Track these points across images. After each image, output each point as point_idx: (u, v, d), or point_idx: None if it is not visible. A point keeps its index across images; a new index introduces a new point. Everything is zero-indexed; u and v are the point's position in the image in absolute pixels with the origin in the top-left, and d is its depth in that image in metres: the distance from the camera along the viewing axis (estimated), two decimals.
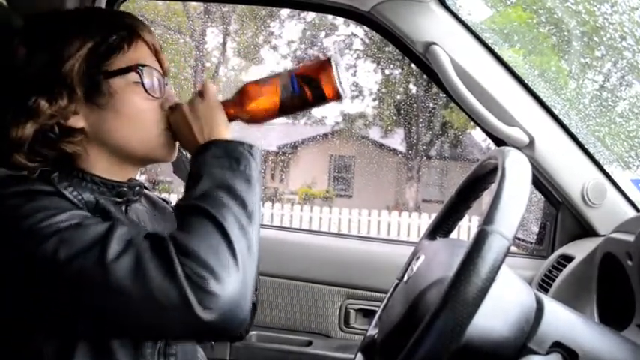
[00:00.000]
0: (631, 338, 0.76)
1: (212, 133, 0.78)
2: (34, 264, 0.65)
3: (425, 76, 2.67)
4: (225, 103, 0.81)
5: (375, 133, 10.76)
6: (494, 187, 0.65)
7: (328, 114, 11.20)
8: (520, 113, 1.32)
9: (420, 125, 10.35)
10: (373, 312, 1.10)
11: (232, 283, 0.64)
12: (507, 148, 0.71)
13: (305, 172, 10.85)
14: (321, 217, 9.36)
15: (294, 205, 9.71)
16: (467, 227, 6.96)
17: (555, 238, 1.44)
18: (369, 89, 11.25)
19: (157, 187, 7.24)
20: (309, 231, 1.73)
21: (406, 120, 10.51)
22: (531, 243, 1.58)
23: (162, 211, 0.94)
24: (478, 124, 1.34)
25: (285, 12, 10.52)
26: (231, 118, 0.81)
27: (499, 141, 1.36)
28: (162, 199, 0.99)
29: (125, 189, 0.82)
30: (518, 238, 1.64)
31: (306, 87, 0.79)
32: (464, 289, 0.58)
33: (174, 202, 0.95)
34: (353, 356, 0.98)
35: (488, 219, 0.61)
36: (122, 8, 1.49)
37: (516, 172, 0.66)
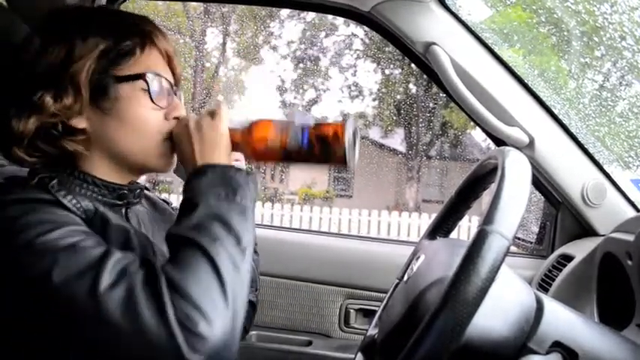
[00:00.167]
0: (631, 338, 0.76)
1: (212, 156, 0.75)
2: (27, 282, 0.64)
3: (425, 76, 2.67)
4: (233, 131, 0.79)
5: (375, 133, 10.76)
6: (494, 187, 0.65)
7: (328, 114, 11.22)
8: (520, 113, 1.32)
9: (420, 125, 10.35)
10: (373, 312, 1.11)
11: (222, 324, 0.63)
12: (507, 148, 0.71)
13: (305, 172, 10.85)
14: (321, 217, 9.36)
15: (294, 205, 9.71)
16: (467, 227, 6.96)
17: (555, 237, 1.44)
18: (369, 89, 11.26)
19: (157, 188, 7.24)
20: (309, 231, 1.73)
21: (406, 120, 10.51)
22: (531, 243, 1.58)
23: (163, 212, 0.94)
24: (478, 124, 1.34)
25: (285, 12, 10.53)
26: (234, 147, 0.79)
27: (499, 141, 1.36)
28: (163, 200, 0.98)
29: (126, 192, 0.82)
30: (518, 238, 1.64)
31: (316, 144, 0.77)
32: (464, 288, 0.58)
33: (174, 203, 0.95)
34: (353, 356, 0.98)
35: (488, 219, 0.61)
36: (122, 8, 1.49)
37: (516, 172, 0.66)
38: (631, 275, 0.94)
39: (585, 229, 1.38)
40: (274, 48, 10.95)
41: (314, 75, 10.99)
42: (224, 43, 10.62)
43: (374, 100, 11.13)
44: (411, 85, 10.54)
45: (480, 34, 1.33)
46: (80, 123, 0.77)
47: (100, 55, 0.76)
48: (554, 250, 1.42)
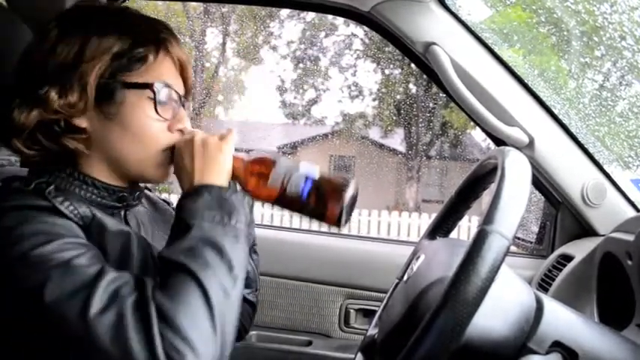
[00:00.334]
0: (631, 338, 0.76)
1: (211, 176, 0.75)
2: (22, 293, 0.64)
3: (425, 76, 2.66)
4: (237, 157, 0.78)
5: (375, 133, 10.75)
6: (494, 186, 0.65)
7: (328, 114, 11.22)
8: (520, 113, 1.32)
9: (420, 125, 10.34)
10: (373, 312, 1.11)
11: (210, 353, 0.63)
12: (507, 148, 0.71)
13: None
14: None
15: None
16: (467, 227, 6.95)
17: (555, 237, 1.44)
18: (369, 89, 11.24)
19: (157, 188, 7.23)
20: (309, 231, 1.73)
21: (406, 120, 10.50)
22: (531, 243, 1.58)
23: (163, 213, 0.94)
24: (478, 124, 1.35)
25: (285, 12, 10.52)
26: (233, 175, 0.78)
27: (499, 141, 1.36)
28: (164, 201, 0.98)
29: (126, 194, 0.81)
30: (518, 238, 1.64)
31: (314, 197, 0.76)
32: (464, 288, 0.58)
33: (174, 203, 0.95)
34: (353, 356, 0.98)
35: (488, 219, 0.61)
36: None
37: (516, 171, 0.66)
38: (631, 275, 0.94)
39: (585, 229, 1.38)
40: (274, 48, 10.94)
41: (314, 75, 10.99)
42: (224, 43, 10.62)
43: (374, 100, 11.12)
44: (411, 85, 10.53)
45: (479, 34, 1.33)
46: (82, 123, 0.76)
47: (113, 57, 0.75)
48: (554, 250, 1.42)
